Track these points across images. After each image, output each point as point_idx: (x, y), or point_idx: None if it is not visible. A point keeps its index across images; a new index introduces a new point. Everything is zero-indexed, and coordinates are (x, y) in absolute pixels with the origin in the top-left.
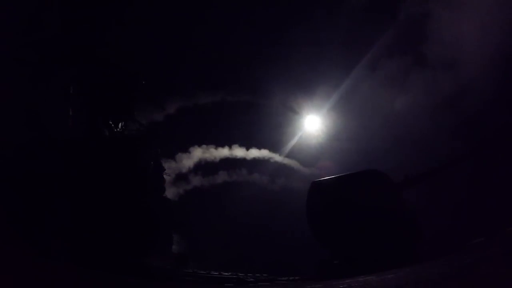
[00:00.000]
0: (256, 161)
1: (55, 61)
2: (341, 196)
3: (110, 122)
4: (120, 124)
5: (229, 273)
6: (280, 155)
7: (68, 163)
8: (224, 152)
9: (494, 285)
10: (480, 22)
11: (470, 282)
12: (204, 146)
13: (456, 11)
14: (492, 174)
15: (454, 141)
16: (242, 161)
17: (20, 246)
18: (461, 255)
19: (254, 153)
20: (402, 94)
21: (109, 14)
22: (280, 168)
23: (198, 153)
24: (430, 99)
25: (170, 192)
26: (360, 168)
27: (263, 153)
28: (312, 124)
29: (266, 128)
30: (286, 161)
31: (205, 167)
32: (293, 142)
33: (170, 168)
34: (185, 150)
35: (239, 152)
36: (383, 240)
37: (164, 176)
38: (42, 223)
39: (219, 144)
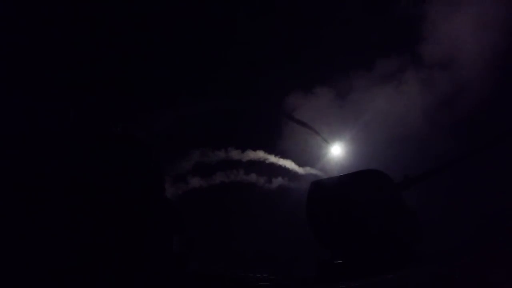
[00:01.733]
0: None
1: (56, 61)
2: (341, 196)
3: (110, 123)
4: (120, 125)
5: (229, 273)
6: (275, 155)
7: (67, 162)
8: (221, 154)
9: (494, 284)
10: (477, 21)
11: (471, 282)
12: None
13: (453, 10)
14: (492, 174)
15: (454, 141)
16: (239, 162)
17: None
18: (461, 255)
19: (250, 155)
20: (401, 94)
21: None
22: (278, 168)
23: (205, 155)
24: (430, 99)
25: (170, 192)
26: (360, 168)
27: (259, 154)
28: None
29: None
30: (282, 161)
31: (208, 169)
32: (289, 142)
33: (171, 168)
34: (187, 151)
35: (235, 154)
36: (383, 240)
37: (164, 176)
38: (42, 221)
39: (217, 145)
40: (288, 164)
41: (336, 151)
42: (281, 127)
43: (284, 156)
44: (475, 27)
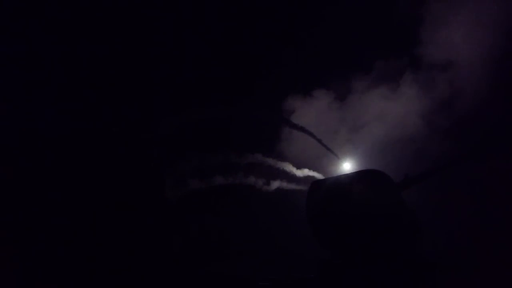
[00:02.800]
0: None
1: (58, 59)
2: (341, 195)
3: (112, 123)
4: (122, 125)
5: (229, 273)
6: (273, 158)
7: (68, 162)
8: (220, 157)
9: (495, 284)
10: (475, 23)
11: (471, 282)
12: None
13: (451, 12)
14: (492, 174)
15: (454, 140)
16: (238, 165)
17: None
18: (461, 256)
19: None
20: (400, 94)
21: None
22: (276, 170)
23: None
24: (429, 101)
25: (171, 193)
26: (360, 168)
27: (257, 157)
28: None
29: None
30: (280, 164)
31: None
32: (286, 145)
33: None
34: (187, 153)
35: (233, 156)
36: (383, 240)
37: (165, 176)
38: (41, 222)
39: (216, 148)
40: (286, 166)
41: (347, 166)
42: (279, 130)
43: (282, 158)
44: (474, 29)
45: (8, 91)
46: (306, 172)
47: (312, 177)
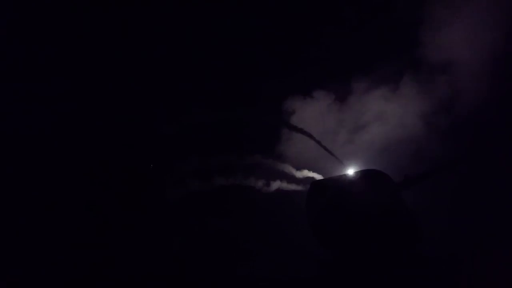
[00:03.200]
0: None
1: (60, 60)
2: (341, 196)
3: (112, 123)
4: (122, 126)
5: (229, 273)
6: (273, 159)
7: (68, 162)
8: (220, 158)
9: (494, 284)
10: (475, 25)
11: (470, 281)
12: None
13: (451, 14)
14: (491, 174)
15: (453, 141)
16: (238, 166)
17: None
18: (460, 255)
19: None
20: (400, 95)
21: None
22: (276, 171)
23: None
24: (429, 100)
25: (171, 194)
26: (360, 168)
27: (257, 158)
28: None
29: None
30: (280, 165)
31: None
32: (286, 146)
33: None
34: (187, 155)
35: (233, 158)
36: (383, 240)
37: (164, 178)
38: (41, 222)
39: (216, 149)
40: (286, 167)
41: (347, 167)
42: (279, 131)
43: (281, 160)
44: (473, 31)
45: (10, 91)
46: (305, 173)
47: (312, 178)
